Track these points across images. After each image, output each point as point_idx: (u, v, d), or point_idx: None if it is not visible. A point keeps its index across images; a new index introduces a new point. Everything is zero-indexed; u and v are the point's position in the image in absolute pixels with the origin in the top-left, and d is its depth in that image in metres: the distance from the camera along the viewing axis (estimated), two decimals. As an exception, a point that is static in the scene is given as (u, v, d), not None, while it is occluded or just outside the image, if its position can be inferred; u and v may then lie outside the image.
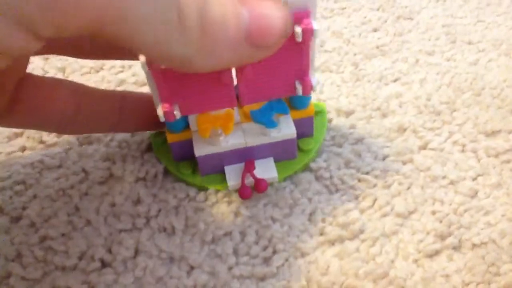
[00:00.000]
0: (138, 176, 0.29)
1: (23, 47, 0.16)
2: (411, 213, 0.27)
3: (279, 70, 0.24)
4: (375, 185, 0.28)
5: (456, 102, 0.34)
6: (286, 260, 0.25)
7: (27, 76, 0.25)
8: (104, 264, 0.25)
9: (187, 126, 0.27)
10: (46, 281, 0.24)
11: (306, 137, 0.30)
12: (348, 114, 0.33)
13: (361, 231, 0.26)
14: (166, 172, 0.29)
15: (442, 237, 0.26)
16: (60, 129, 0.26)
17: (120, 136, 0.31)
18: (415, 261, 0.25)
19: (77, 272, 0.25)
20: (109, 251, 0.25)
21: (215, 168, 0.28)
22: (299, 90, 0.25)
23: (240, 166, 0.28)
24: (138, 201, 0.28)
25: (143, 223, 0.27)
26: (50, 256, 0.25)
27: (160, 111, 0.24)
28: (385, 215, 0.27)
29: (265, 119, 0.27)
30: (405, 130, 0.32)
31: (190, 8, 0.17)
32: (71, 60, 0.38)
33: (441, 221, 0.27)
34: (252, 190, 0.27)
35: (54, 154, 0.30)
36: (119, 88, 0.35)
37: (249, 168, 0.27)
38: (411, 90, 0.35)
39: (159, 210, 0.27)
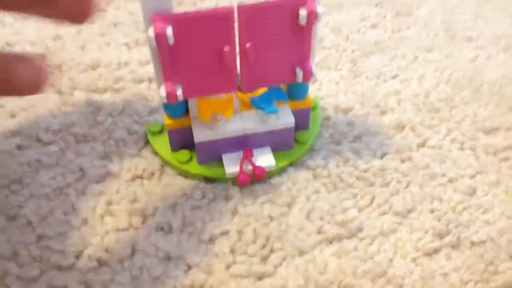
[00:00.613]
0: (135, 175, 0.29)
1: None
2: (409, 211, 0.27)
3: (280, 55, 0.25)
4: (373, 183, 0.28)
5: (454, 99, 0.34)
6: (284, 259, 0.25)
7: None
8: (100, 263, 0.25)
9: (186, 113, 0.28)
10: (42, 280, 0.24)
11: (302, 130, 0.30)
12: (347, 111, 0.33)
13: (360, 230, 0.26)
14: (163, 171, 0.29)
15: (440, 235, 0.26)
16: None
17: (117, 134, 0.31)
18: (414, 259, 0.25)
19: (73, 271, 0.24)
20: (106, 250, 0.25)
21: (213, 156, 0.28)
22: (300, 76, 0.25)
23: (237, 154, 0.28)
24: (134, 200, 0.28)
25: (140, 222, 0.26)
26: (47, 255, 0.25)
27: (163, 91, 0.24)
28: (383, 213, 0.27)
29: (265, 104, 0.27)
30: (403, 127, 0.32)
31: None
32: (68, 57, 0.38)
33: (439, 220, 0.26)
34: (250, 178, 0.27)
35: (51, 153, 0.30)
36: (116, 86, 0.35)
37: (247, 155, 0.27)
38: (409, 87, 0.35)
39: (156, 209, 0.27)
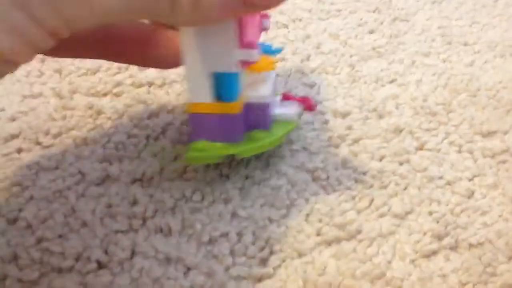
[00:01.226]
0: (135, 177, 0.29)
1: (38, 43, 0.18)
2: (408, 213, 0.27)
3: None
4: (372, 186, 0.29)
5: (452, 103, 0.34)
6: (283, 260, 0.25)
7: None
8: (100, 265, 0.25)
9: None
10: (42, 283, 0.24)
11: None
12: (345, 115, 0.33)
13: (358, 232, 0.26)
14: (163, 173, 0.29)
15: (439, 237, 0.26)
16: None
17: (117, 137, 0.31)
18: (412, 261, 0.25)
19: (73, 274, 0.24)
20: (106, 252, 0.25)
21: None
22: (267, 24, 0.27)
23: (279, 105, 0.29)
24: (134, 202, 0.28)
25: (139, 224, 0.27)
26: (47, 257, 0.25)
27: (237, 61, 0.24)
28: (382, 215, 0.27)
29: (272, 49, 0.29)
30: (401, 131, 0.32)
31: None
32: (68, 61, 0.38)
33: (438, 222, 0.27)
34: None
35: (51, 156, 0.30)
36: (115, 90, 0.35)
37: (288, 96, 0.29)
38: (407, 91, 0.36)
39: (156, 211, 0.27)
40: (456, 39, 0.41)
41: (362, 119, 0.33)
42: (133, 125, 0.32)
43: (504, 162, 0.30)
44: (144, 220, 0.27)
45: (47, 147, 0.31)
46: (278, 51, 0.28)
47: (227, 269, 0.25)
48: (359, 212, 0.27)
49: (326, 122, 0.33)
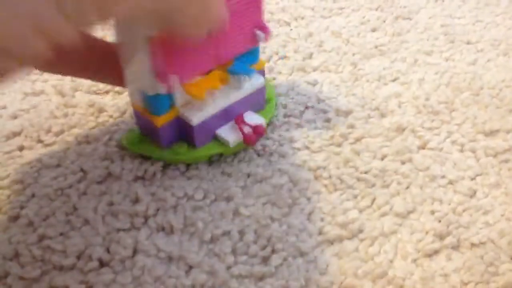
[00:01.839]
0: (137, 175, 0.29)
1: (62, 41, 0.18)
2: (410, 212, 0.27)
3: (241, 24, 0.28)
4: (374, 185, 0.28)
5: (454, 102, 0.34)
6: (285, 259, 0.25)
7: None
8: (102, 264, 0.25)
9: (171, 107, 0.29)
10: (44, 281, 0.24)
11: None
12: (347, 113, 0.33)
13: (360, 231, 0.26)
14: (164, 171, 0.29)
15: (441, 236, 0.26)
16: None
17: (118, 135, 0.31)
18: (414, 260, 0.25)
19: (75, 272, 0.24)
20: (107, 250, 0.25)
21: (208, 136, 0.30)
22: (261, 36, 0.29)
23: (228, 126, 0.30)
24: (136, 200, 0.28)
25: (141, 222, 0.27)
26: (48, 255, 0.25)
27: (157, 85, 0.26)
28: (384, 214, 0.27)
29: (244, 69, 0.29)
30: (404, 129, 0.32)
31: None
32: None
33: (440, 221, 0.27)
34: (256, 138, 0.29)
35: (53, 153, 0.30)
36: (117, 88, 0.35)
37: (240, 119, 0.30)
38: (409, 90, 0.35)
39: (158, 209, 0.27)
40: (459, 37, 0.41)
41: (364, 118, 0.33)
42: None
43: (506, 161, 0.30)
44: (146, 218, 0.27)
45: (49, 145, 0.31)
46: (251, 72, 0.30)
47: (228, 267, 0.25)
48: (361, 211, 0.27)
49: (328, 120, 0.33)
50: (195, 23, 0.23)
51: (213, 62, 0.28)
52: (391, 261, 0.25)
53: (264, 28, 0.29)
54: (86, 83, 0.36)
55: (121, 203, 0.27)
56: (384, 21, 0.44)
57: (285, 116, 0.33)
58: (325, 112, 0.33)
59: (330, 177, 0.29)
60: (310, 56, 0.39)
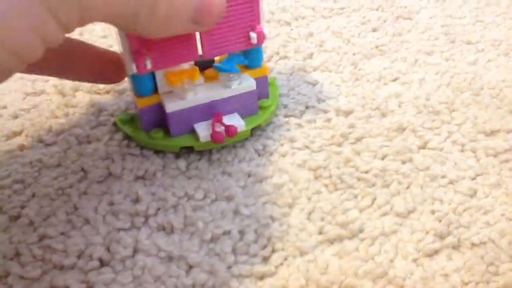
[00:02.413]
0: (137, 175, 0.29)
1: (51, 38, 0.19)
2: (410, 212, 0.27)
3: (235, 22, 0.28)
4: (374, 184, 0.28)
5: (455, 102, 0.34)
6: (285, 259, 0.25)
7: None
8: (102, 263, 0.25)
9: (155, 92, 0.29)
10: (44, 280, 0.24)
11: (263, 98, 0.33)
12: (347, 113, 0.33)
13: (361, 230, 0.26)
14: (165, 171, 0.29)
15: (441, 236, 0.26)
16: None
17: (119, 135, 0.31)
18: (414, 260, 0.25)
19: (75, 271, 0.24)
20: (108, 250, 0.25)
21: (185, 128, 0.30)
22: (254, 39, 0.29)
23: (208, 122, 0.30)
24: (136, 200, 0.28)
25: (141, 222, 0.27)
26: (49, 255, 0.25)
27: (132, 65, 0.27)
28: (384, 214, 0.27)
29: (228, 67, 0.29)
30: (404, 129, 0.32)
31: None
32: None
33: (440, 221, 0.26)
34: (224, 137, 0.29)
35: (53, 153, 0.30)
36: (118, 88, 0.35)
37: (217, 118, 0.29)
38: (410, 90, 0.35)
39: (158, 209, 0.27)
40: (459, 37, 0.41)
41: (364, 118, 0.33)
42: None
43: (507, 161, 0.30)
44: (147, 218, 0.27)
45: (50, 144, 0.31)
46: (235, 71, 0.30)
47: (229, 267, 0.25)
48: (361, 210, 0.27)
49: (328, 120, 0.33)
50: (164, 27, 0.24)
51: (192, 55, 0.28)
52: (392, 261, 0.25)
53: (258, 31, 0.29)
54: (87, 83, 0.36)
55: (121, 203, 0.27)
56: (385, 21, 0.44)
57: (286, 116, 0.33)
58: (325, 112, 0.33)
59: (330, 176, 0.29)
60: (311, 56, 0.39)
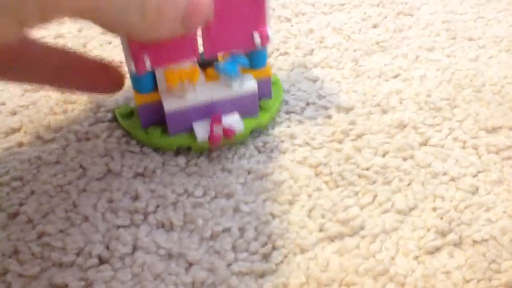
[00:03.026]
0: (136, 172, 0.29)
1: (5, 35, 0.18)
2: (411, 209, 0.27)
3: (238, 22, 0.27)
4: (375, 181, 0.28)
5: (456, 98, 0.34)
6: (286, 256, 0.25)
7: None
8: (101, 261, 0.25)
9: (154, 89, 0.29)
10: (43, 278, 0.24)
11: (265, 99, 0.32)
12: (348, 110, 0.33)
13: (361, 228, 0.26)
14: (165, 168, 0.29)
15: (442, 233, 0.26)
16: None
17: (118, 132, 0.31)
18: (416, 257, 0.25)
19: (74, 269, 0.24)
20: (107, 247, 0.25)
21: (184, 127, 0.29)
22: (257, 40, 0.28)
23: (207, 122, 0.29)
24: (136, 197, 0.28)
25: (141, 219, 0.26)
26: (48, 252, 0.25)
27: (132, 64, 0.26)
28: (385, 211, 0.27)
29: (229, 68, 0.29)
30: (405, 126, 0.32)
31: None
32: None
33: (441, 218, 0.26)
34: (221, 139, 0.29)
35: (52, 150, 0.30)
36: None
37: (216, 119, 0.29)
38: (411, 86, 0.35)
39: (157, 206, 0.27)
40: (460, 34, 0.41)
41: (365, 114, 0.33)
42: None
43: (508, 158, 0.30)
44: (146, 215, 0.27)
45: (48, 141, 0.31)
46: (236, 72, 0.29)
47: (229, 264, 0.24)
48: (362, 208, 0.27)
49: (329, 117, 0.33)
50: (153, 28, 0.22)
51: (191, 54, 0.28)
52: (393, 258, 0.25)
53: (262, 33, 0.28)
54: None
55: (121, 200, 0.27)
56: (386, 17, 0.43)
57: (286, 112, 0.33)
58: (326, 108, 0.33)
59: (331, 173, 0.29)
60: (311, 52, 0.39)
